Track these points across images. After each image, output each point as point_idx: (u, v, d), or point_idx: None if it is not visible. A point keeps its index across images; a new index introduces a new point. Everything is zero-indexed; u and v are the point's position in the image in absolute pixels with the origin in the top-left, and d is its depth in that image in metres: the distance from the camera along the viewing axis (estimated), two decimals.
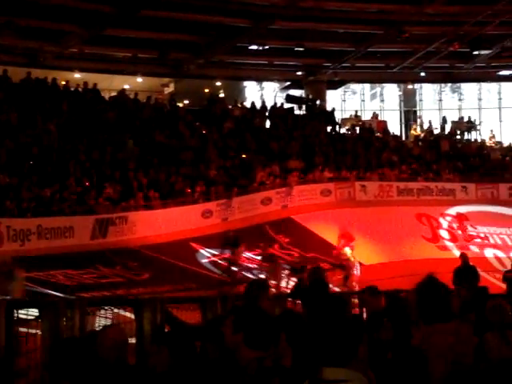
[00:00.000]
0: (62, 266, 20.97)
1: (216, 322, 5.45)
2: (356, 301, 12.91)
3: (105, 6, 30.26)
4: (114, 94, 33.15)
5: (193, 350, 4.42)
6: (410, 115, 42.96)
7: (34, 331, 6.96)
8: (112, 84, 34.93)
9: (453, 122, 40.33)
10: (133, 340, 8.15)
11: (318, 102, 38.15)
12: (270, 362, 4.24)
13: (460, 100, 44.30)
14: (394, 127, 41.00)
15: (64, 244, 22.06)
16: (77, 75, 33.58)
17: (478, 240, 31.76)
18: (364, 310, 12.54)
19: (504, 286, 19.83)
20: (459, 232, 32.13)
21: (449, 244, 31.61)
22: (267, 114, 36.42)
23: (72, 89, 31.03)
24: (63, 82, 31.35)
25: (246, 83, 42.23)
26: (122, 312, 9.36)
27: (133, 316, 8.36)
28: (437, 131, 40.06)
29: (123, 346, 5.10)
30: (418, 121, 41.73)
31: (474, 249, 30.93)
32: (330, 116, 38.15)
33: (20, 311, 6.67)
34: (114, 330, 5.34)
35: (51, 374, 4.24)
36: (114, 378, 4.72)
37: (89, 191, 24.32)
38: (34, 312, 7.01)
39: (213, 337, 4.71)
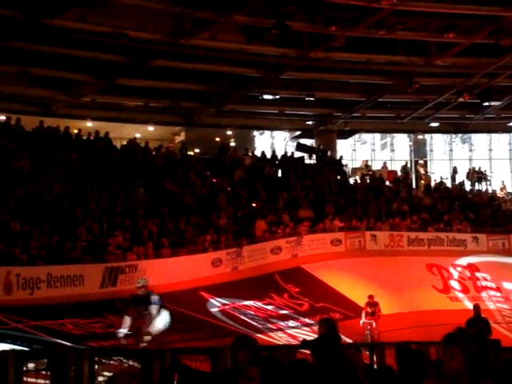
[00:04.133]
0: (72, 314, 20.86)
1: (233, 372, 5.39)
2: (367, 353, 12.81)
3: (117, 56, 30.62)
4: (125, 142, 33.35)
5: None
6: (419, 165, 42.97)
7: (42, 382, 6.90)
8: (123, 133, 35.15)
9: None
10: None
11: (328, 153, 38.25)
12: None
13: (470, 150, 44.34)
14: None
15: (74, 292, 21.98)
16: (89, 124, 33.87)
17: (491, 292, 31.51)
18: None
19: None
20: (470, 283, 31.90)
21: (460, 295, 31.36)
22: (277, 162, 36.54)
23: (84, 137, 31.25)
24: (75, 131, 31.59)
25: (256, 132, 42.44)
26: (130, 362, 9.28)
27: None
28: (447, 181, 40.08)
29: None
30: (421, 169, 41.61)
31: (486, 300, 30.67)
32: (339, 164, 38.24)
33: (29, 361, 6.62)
34: (124, 376, 5.27)
35: None
36: None
37: (99, 239, 24.30)
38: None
39: None
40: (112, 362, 8.51)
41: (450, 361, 4.37)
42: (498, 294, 31.43)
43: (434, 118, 40.02)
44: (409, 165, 41.55)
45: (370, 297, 25.09)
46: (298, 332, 24.60)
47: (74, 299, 21.65)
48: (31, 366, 6.63)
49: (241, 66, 33.23)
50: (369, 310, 24.72)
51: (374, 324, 24.51)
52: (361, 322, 24.61)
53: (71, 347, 15.02)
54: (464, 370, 4.29)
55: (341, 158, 39.11)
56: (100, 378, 7.59)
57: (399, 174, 40.07)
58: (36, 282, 21.14)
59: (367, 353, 12.80)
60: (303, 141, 39.73)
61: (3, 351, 6.78)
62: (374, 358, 12.68)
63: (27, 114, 30.71)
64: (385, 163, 40.94)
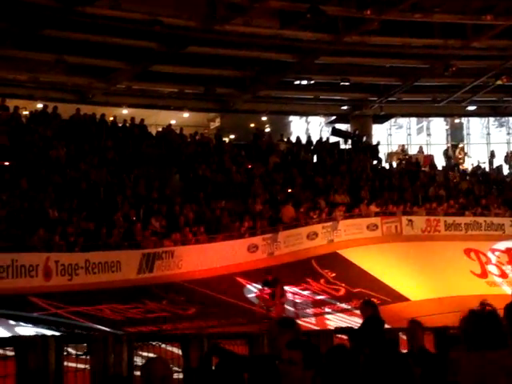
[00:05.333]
0: (109, 300, 21.05)
1: (271, 357, 5.40)
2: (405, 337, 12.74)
3: (151, 43, 30.72)
4: (160, 129, 33.48)
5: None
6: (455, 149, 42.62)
7: (82, 366, 6.97)
8: (158, 119, 35.30)
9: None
10: (180, 375, 8.12)
11: (364, 138, 38.05)
12: None
13: (508, 134, 43.84)
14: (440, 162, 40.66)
15: (111, 278, 22.17)
16: (124, 111, 34.05)
17: None
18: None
19: None
20: (509, 267, 31.61)
21: (498, 280, 31.09)
22: (313, 148, 36.44)
23: (120, 124, 31.42)
24: (111, 118, 31.79)
25: (291, 118, 42.36)
26: (169, 347, 9.34)
27: (180, 351, 8.32)
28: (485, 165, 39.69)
29: (167, 378, 5.10)
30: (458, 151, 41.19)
31: None
32: (375, 150, 38.03)
33: (69, 346, 6.68)
34: (157, 362, 5.32)
35: None
36: None
37: (135, 226, 24.47)
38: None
39: (269, 371, 4.65)
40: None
41: None
42: None
43: (471, 101, 39.60)
44: (450, 150, 41.15)
45: None
46: (335, 317, 24.58)
47: (111, 285, 21.84)
48: (71, 350, 6.70)
49: (275, 51, 33.14)
50: None
51: None
52: None
53: (110, 332, 15.17)
54: None
55: (378, 143, 38.90)
56: (138, 361, 7.66)
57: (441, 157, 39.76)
58: (74, 268, 21.36)
59: (404, 337, 12.74)
60: (338, 126, 39.58)
61: (44, 336, 6.85)
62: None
63: (64, 101, 30.98)
64: (421, 148, 40.64)
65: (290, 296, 25.34)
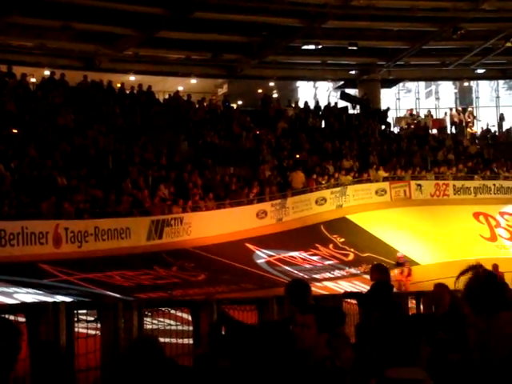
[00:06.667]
0: (119, 267, 21.15)
1: (286, 322, 5.42)
2: (414, 301, 12.81)
3: (158, 9, 30.53)
4: (167, 95, 33.39)
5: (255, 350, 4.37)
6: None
7: (93, 332, 7.01)
8: (166, 86, 35.19)
9: None
10: (190, 341, 8.18)
11: (371, 104, 37.87)
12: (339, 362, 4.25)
13: None
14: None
15: (121, 245, 22.25)
16: (131, 78, 33.94)
17: None
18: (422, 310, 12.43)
19: None
20: None
21: (507, 243, 31.12)
22: (321, 113, 36.31)
23: (127, 91, 31.34)
24: (118, 85, 31.69)
25: (299, 83, 42.16)
26: (178, 313, 9.40)
27: (189, 317, 8.37)
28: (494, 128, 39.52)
29: (157, 355, 5.17)
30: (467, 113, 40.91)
31: None
32: (384, 115, 37.88)
33: (80, 312, 6.72)
34: (141, 343, 5.36)
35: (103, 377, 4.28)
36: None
37: (144, 193, 24.49)
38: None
39: (284, 336, 4.68)
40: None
41: None
42: None
43: (480, 64, 39.31)
44: (460, 113, 40.90)
45: None
46: (344, 282, 24.66)
47: (121, 252, 21.93)
48: (82, 317, 6.74)
49: (283, 16, 32.91)
50: None
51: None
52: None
53: (120, 298, 15.26)
54: None
55: (388, 108, 38.71)
56: (149, 326, 7.71)
57: (447, 121, 39.58)
58: (84, 235, 21.43)
59: (414, 301, 12.80)
60: (347, 91, 39.37)
61: (55, 302, 6.89)
62: (421, 307, 12.67)
63: (71, 68, 30.87)
64: (429, 111, 40.47)
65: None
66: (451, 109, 41.26)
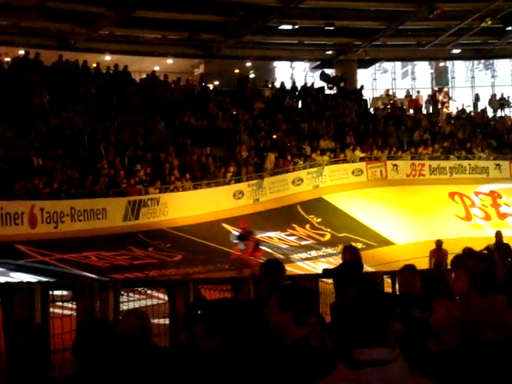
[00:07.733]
0: (95, 247, 21.12)
1: (259, 302, 5.45)
2: (389, 280, 12.89)
3: None
4: (144, 75, 33.19)
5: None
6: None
7: (69, 312, 7.01)
8: (142, 66, 34.97)
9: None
10: (166, 321, 8.20)
11: (344, 84, 37.84)
12: (316, 342, 4.25)
13: (493, 77, 43.77)
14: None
15: (97, 226, 22.22)
16: (107, 57, 33.68)
17: None
18: (398, 289, 12.52)
19: None
20: (493, 210, 31.86)
21: (482, 222, 31.37)
22: (297, 93, 36.28)
23: (103, 71, 31.12)
24: (94, 65, 31.45)
25: (276, 63, 42.06)
26: (155, 293, 9.42)
27: (166, 297, 8.39)
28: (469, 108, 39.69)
29: (144, 331, 5.21)
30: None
31: (508, 227, 30.65)
32: (359, 94, 37.89)
33: (55, 293, 6.71)
34: (130, 317, 5.40)
35: (76, 356, 4.28)
36: (139, 360, 4.81)
37: (120, 173, 24.42)
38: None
39: (257, 317, 4.69)
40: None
41: (456, 282, 4.55)
42: None
43: (456, 44, 39.37)
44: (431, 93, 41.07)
45: None
46: (321, 262, 24.77)
47: (97, 232, 21.89)
48: (57, 297, 6.73)
49: None
50: None
51: None
52: None
53: (96, 279, 15.25)
54: (471, 289, 4.39)
55: (362, 87, 38.74)
56: (124, 307, 7.71)
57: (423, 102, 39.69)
58: (60, 215, 21.37)
59: (389, 280, 12.89)
60: (325, 71, 39.32)
61: (30, 282, 6.87)
62: (397, 286, 12.75)
63: (46, 48, 30.57)
64: (408, 92, 40.58)
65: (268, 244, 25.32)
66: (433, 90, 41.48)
